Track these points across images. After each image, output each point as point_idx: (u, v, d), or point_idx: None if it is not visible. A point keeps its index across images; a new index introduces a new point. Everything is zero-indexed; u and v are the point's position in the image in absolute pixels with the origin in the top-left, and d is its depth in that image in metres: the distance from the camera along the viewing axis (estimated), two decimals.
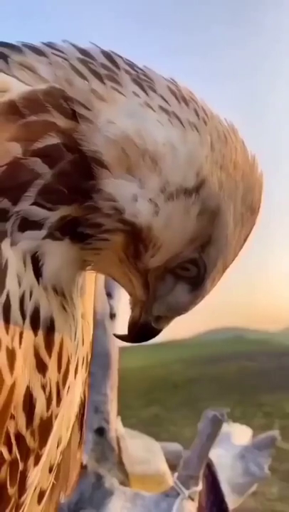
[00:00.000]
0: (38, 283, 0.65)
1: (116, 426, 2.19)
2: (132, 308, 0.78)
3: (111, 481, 1.75)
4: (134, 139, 0.64)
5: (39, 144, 0.60)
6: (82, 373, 0.75)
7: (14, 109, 0.60)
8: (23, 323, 0.62)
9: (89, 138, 0.63)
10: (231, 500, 2.45)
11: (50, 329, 0.66)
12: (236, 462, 2.66)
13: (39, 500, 0.72)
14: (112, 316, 2.45)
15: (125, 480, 2.08)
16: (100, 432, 2.28)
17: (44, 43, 0.68)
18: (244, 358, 15.72)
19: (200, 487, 1.78)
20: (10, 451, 0.63)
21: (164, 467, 2.45)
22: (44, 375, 0.65)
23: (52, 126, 0.61)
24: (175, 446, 2.76)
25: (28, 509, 0.70)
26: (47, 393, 0.65)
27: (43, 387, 0.65)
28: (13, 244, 0.61)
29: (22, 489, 0.67)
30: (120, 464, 2.16)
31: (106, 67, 0.67)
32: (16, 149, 0.59)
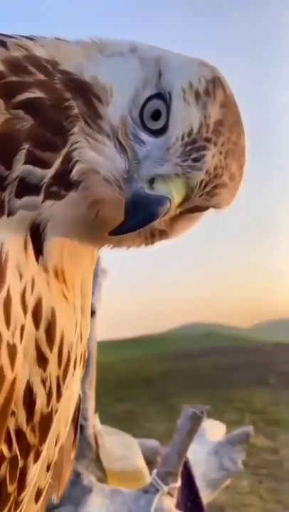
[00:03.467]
0: (38, 262, 0.65)
1: (94, 423, 2.19)
2: (120, 193, 0.71)
3: (89, 477, 1.75)
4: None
5: (20, 98, 0.66)
6: (79, 370, 0.75)
7: None
8: (25, 317, 0.62)
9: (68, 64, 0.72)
10: (205, 495, 2.49)
11: (52, 322, 0.66)
12: (210, 457, 2.70)
13: (36, 499, 0.73)
14: (92, 313, 2.44)
15: (103, 477, 2.09)
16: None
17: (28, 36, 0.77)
18: (216, 354, 15.85)
19: (179, 483, 1.80)
20: (10, 448, 0.63)
21: (141, 463, 2.46)
22: (44, 370, 0.65)
23: (31, 83, 0.67)
24: (152, 443, 2.78)
25: (26, 507, 0.70)
26: (47, 388, 0.66)
27: (43, 382, 0.65)
28: (10, 214, 0.63)
29: (21, 487, 0.67)
30: (98, 460, 2.16)
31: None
32: None
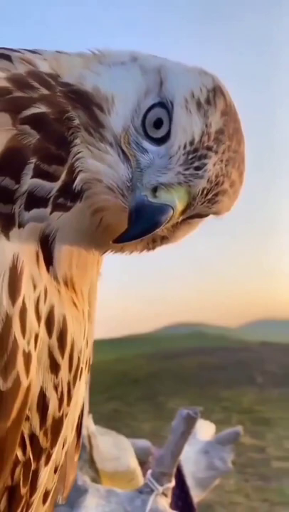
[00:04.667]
0: (48, 271, 0.67)
1: (87, 423, 2.19)
2: (123, 201, 0.71)
3: (83, 478, 1.75)
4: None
5: (26, 113, 0.68)
6: (85, 374, 0.77)
7: (3, 90, 0.68)
8: (39, 325, 0.64)
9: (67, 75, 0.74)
10: (195, 495, 2.51)
11: (63, 329, 0.68)
12: (200, 457, 2.72)
13: (44, 501, 0.74)
14: None
15: (96, 477, 2.09)
16: None
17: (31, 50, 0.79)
18: (203, 353, 15.92)
19: (173, 483, 1.82)
20: (24, 452, 0.65)
21: (134, 464, 2.48)
22: (57, 376, 0.67)
23: (36, 98, 0.69)
24: (143, 443, 2.80)
25: (35, 509, 0.72)
26: (59, 393, 0.67)
27: (56, 388, 0.67)
28: (20, 226, 0.65)
29: (33, 489, 0.69)
30: (91, 461, 2.17)
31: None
32: (5, 119, 0.66)
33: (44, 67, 0.75)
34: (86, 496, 1.61)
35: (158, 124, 0.73)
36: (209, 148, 0.70)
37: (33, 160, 0.66)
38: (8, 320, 0.61)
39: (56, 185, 0.68)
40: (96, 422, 2.92)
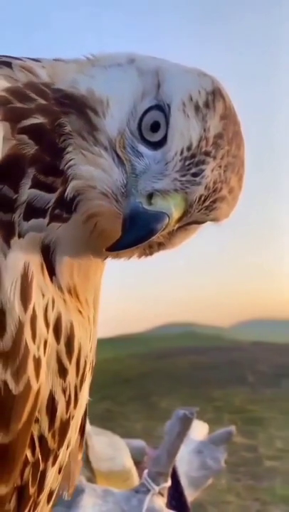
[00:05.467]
0: (52, 281, 0.68)
1: None
2: (118, 207, 0.70)
3: (79, 478, 1.77)
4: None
5: (25, 123, 0.68)
6: (89, 378, 0.78)
7: (3, 99, 0.68)
8: (47, 332, 0.65)
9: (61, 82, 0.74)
10: (188, 494, 2.53)
11: (71, 335, 0.70)
12: (193, 457, 2.74)
13: (48, 500, 0.76)
14: None
15: (92, 477, 2.11)
16: None
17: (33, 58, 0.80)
18: (196, 353, 15.94)
19: (169, 483, 1.84)
20: (33, 453, 0.67)
21: (129, 464, 2.49)
22: (65, 380, 0.69)
23: (34, 110, 0.69)
24: (138, 443, 2.81)
25: (41, 508, 0.74)
26: (67, 396, 0.69)
27: (64, 391, 0.69)
28: (20, 235, 0.66)
29: (40, 489, 0.71)
30: (87, 461, 2.18)
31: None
32: (6, 128, 0.66)
33: (43, 75, 0.75)
34: (83, 496, 1.63)
35: (155, 127, 0.71)
36: (207, 154, 0.68)
37: (31, 171, 0.67)
38: (20, 326, 0.62)
39: (53, 196, 0.68)
40: (89, 421, 2.92)
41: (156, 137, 0.71)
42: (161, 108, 0.71)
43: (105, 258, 0.79)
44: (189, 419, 1.88)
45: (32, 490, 0.69)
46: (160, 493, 1.77)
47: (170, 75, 0.74)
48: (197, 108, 0.70)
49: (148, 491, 1.73)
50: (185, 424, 1.91)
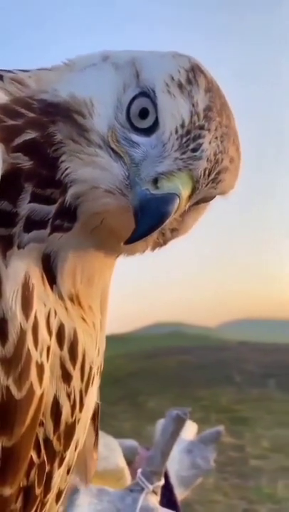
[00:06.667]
0: (52, 290, 0.70)
1: None
2: (126, 201, 0.69)
3: (75, 477, 1.79)
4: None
5: (18, 141, 0.69)
6: (97, 381, 0.80)
7: None
8: (50, 339, 0.67)
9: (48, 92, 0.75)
10: (178, 493, 2.56)
11: (74, 342, 0.71)
12: (183, 456, 2.76)
13: (57, 500, 0.77)
14: None
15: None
16: None
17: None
18: (182, 353, 15.96)
19: (162, 482, 1.88)
20: (39, 455, 0.69)
21: (122, 463, 2.52)
22: (69, 385, 0.71)
23: (24, 125, 0.70)
24: (131, 443, 2.84)
25: (49, 508, 0.76)
26: (72, 401, 0.71)
27: (68, 396, 0.71)
28: (20, 247, 0.67)
29: (47, 489, 0.72)
30: None
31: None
32: (1, 148, 0.67)
33: (32, 85, 0.77)
34: (78, 495, 1.65)
35: (144, 113, 0.71)
36: (201, 128, 0.69)
37: (29, 186, 0.68)
38: (22, 333, 0.64)
39: (53, 208, 0.69)
40: None
41: (147, 123, 0.71)
42: (146, 94, 0.71)
43: (117, 256, 0.79)
44: (182, 419, 1.92)
45: (38, 490, 0.71)
46: (154, 492, 1.81)
47: (146, 61, 0.74)
48: (180, 86, 0.70)
49: (142, 489, 1.76)
50: (178, 424, 1.94)
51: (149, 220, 0.66)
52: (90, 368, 0.76)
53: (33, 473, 0.69)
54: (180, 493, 2.61)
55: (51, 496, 0.75)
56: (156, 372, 12.95)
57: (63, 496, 0.80)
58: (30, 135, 0.70)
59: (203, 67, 0.74)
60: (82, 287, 0.75)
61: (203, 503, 5.52)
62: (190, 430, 3.15)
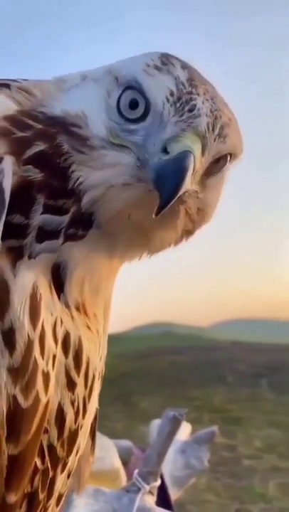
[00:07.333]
0: (60, 299, 0.71)
1: None
2: (145, 183, 0.70)
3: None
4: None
5: (29, 153, 0.70)
6: (98, 386, 0.81)
7: (5, 130, 0.71)
8: (56, 347, 0.68)
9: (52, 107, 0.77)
10: (172, 493, 2.57)
11: (79, 350, 0.72)
12: (177, 456, 2.78)
13: (57, 503, 0.78)
14: None
15: None
16: None
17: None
18: (175, 353, 15.97)
19: (159, 482, 1.89)
20: (43, 461, 0.69)
21: (117, 464, 2.53)
22: (73, 392, 0.71)
23: (34, 137, 0.72)
24: (126, 443, 2.85)
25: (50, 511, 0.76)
26: (75, 408, 0.71)
27: (72, 403, 0.71)
28: (31, 257, 0.68)
29: (50, 494, 0.73)
30: None
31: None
32: (12, 161, 0.68)
33: (38, 94, 0.79)
34: (75, 496, 1.66)
35: (133, 105, 0.74)
36: (190, 93, 0.71)
37: (41, 198, 0.69)
38: (30, 343, 0.65)
39: (66, 218, 0.70)
40: None
41: (140, 111, 0.74)
42: (130, 86, 0.75)
43: (147, 254, 0.80)
44: (179, 420, 1.94)
45: (42, 496, 0.72)
46: (150, 492, 1.82)
47: (121, 65, 0.79)
48: (158, 68, 0.74)
49: (139, 489, 1.77)
50: (174, 425, 1.96)
51: (171, 182, 0.66)
52: (94, 375, 0.77)
53: (37, 479, 0.70)
54: (174, 493, 2.63)
55: (53, 500, 0.76)
56: (148, 373, 12.96)
57: (63, 499, 0.81)
58: (39, 147, 0.71)
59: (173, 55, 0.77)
60: (89, 296, 0.76)
61: (196, 503, 5.53)
62: (184, 430, 3.16)
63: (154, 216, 0.67)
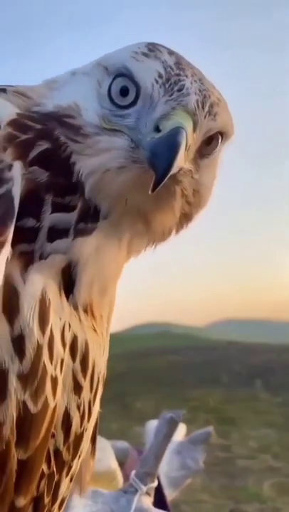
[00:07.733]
0: (68, 300, 0.72)
1: None
2: (140, 163, 0.71)
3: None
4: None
5: (33, 154, 0.71)
6: (101, 389, 0.82)
7: (10, 136, 0.72)
8: (64, 351, 0.69)
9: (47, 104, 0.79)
10: (167, 494, 2.58)
11: (85, 354, 0.73)
12: (173, 457, 2.78)
13: (60, 507, 0.79)
14: None
15: None
16: None
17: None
18: (171, 353, 15.95)
19: (156, 483, 1.90)
20: (49, 465, 0.70)
21: (114, 465, 2.53)
22: (80, 396, 0.72)
23: (36, 137, 0.73)
24: (123, 444, 2.86)
25: None
26: (81, 411, 0.72)
27: (78, 407, 0.72)
28: (42, 258, 0.69)
29: (55, 498, 0.74)
30: None
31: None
32: (19, 166, 0.69)
33: (34, 97, 0.81)
34: (73, 497, 1.67)
35: (124, 92, 0.76)
36: (178, 75, 0.74)
37: (49, 197, 0.70)
38: (39, 348, 0.65)
39: (75, 213, 0.72)
40: None
41: (130, 97, 0.76)
42: (120, 74, 0.77)
43: (150, 244, 0.81)
44: (176, 421, 1.95)
45: (47, 500, 0.73)
46: (147, 493, 1.83)
47: (109, 56, 0.81)
48: (145, 54, 0.77)
49: (136, 491, 1.78)
50: (172, 426, 1.97)
51: (165, 157, 0.68)
52: (98, 378, 0.78)
53: (43, 483, 0.71)
54: (169, 494, 2.63)
55: (57, 503, 0.77)
56: (144, 373, 12.93)
57: (65, 502, 0.82)
58: (42, 146, 0.73)
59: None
60: (97, 297, 0.76)
61: (191, 503, 5.53)
62: (179, 431, 3.17)
63: (150, 192, 0.67)
